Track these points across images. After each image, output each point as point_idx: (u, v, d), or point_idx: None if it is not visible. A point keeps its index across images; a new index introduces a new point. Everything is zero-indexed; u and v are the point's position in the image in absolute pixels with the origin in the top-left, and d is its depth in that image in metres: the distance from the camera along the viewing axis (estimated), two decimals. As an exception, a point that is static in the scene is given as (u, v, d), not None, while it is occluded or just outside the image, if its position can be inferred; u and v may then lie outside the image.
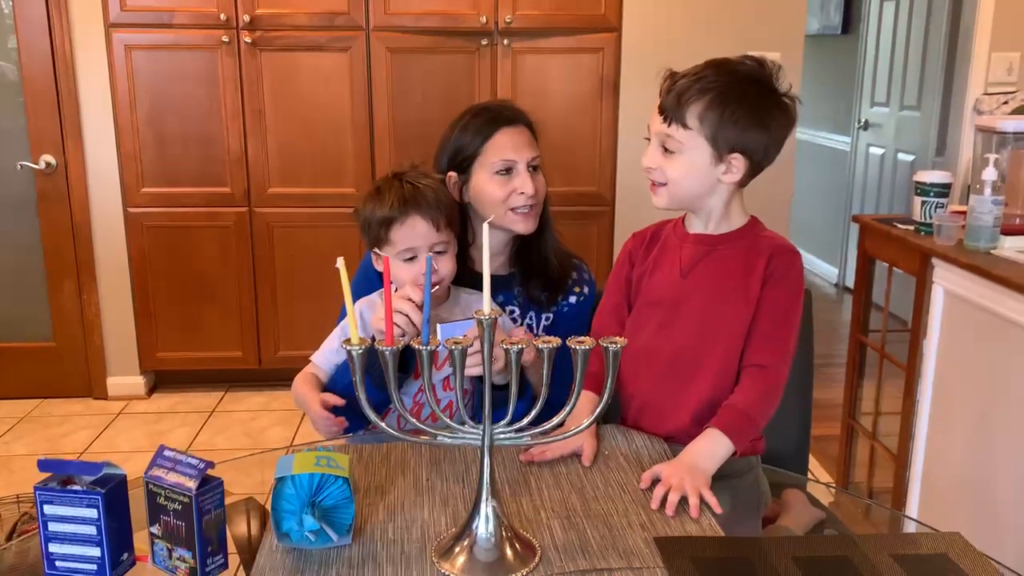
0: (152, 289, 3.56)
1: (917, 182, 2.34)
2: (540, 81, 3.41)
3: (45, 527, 1.05)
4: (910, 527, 1.81)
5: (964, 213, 2.19)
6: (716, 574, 1.06)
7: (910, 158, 4.58)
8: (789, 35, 3.43)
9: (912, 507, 2.39)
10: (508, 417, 1.09)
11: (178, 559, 1.05)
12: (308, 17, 3.33)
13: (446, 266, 1.56)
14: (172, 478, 1.03)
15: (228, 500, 1.08)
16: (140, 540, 1.08)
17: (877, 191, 4.97)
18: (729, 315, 1.39)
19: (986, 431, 2.10)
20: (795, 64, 3.38)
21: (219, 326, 3.61)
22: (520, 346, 1.05)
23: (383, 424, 1.13)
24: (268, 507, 1.11)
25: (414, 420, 1.12)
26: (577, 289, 1.76)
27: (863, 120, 5.13)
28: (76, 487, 1.04)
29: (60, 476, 1.06)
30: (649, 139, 1.40)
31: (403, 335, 1.46)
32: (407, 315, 1.45)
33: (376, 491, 1.25)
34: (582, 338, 1.05)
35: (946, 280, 2.23)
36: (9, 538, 2.11)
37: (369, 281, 1.68)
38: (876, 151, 5.00)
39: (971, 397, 2.16)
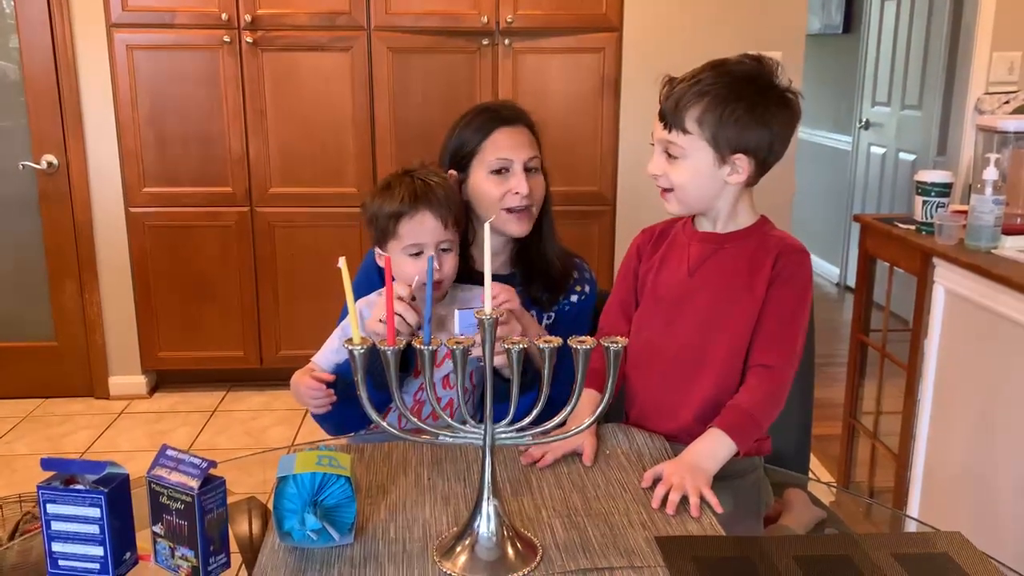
0: (154, 288, 3.56)
1: (918, 182, 2.34)
2: (541, 81, 3.41)
3: (48, 526, 1.05)
4: (911, 526, 1.81)
5: (965, 213, 2.19)
6: (717, 573, 1.06)
7: (911, 157, 4.58)
8: (790, 34, 3.42)
9: (913, 506, 2.39)
10: (510, 416, 1.09)
11: (180, 558, 1.05)
12: (309, 17, 3.33)
13: (450, 265, 1.56)
14: (174, 477, 1.03)
15: (230, 499, 1.09)
16: (143, 539, 1.09)
17: (878, 191, 4.97)
18: (734, 314, 1.39)
19: (987, 430, 2.10)
20: (796, 63, 3.38)
21: (220, 325, 3.61)
22: (521, 346, 1.06)
23: (384, 423, 1.13)
24: (270, 506, 1.11)
25: (415, 419, 1.12)
26: (578, 288, 1.76)
27: (864, 119, 5.12)
28: (79, 486, 1.04)
29: (63, 475, 1.06)
30: (654, 145, 1.40)
31: (398, 333, 1.45)
32: (400, 314, 1.45)
33: (378, 490, 1.26)
34: (583, 338, 1.05)
35: (947, 280, 2.23)
36: (12, 537, 2.11)
37: (371, 281, 1.68)
38: (877, 150, 4.99)
39: (972, 396, 2.16)
